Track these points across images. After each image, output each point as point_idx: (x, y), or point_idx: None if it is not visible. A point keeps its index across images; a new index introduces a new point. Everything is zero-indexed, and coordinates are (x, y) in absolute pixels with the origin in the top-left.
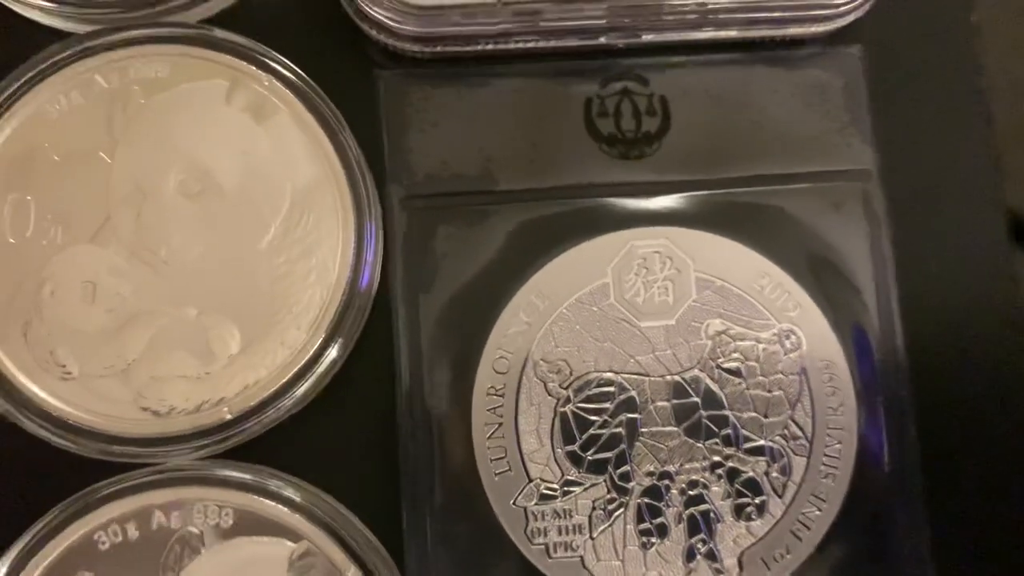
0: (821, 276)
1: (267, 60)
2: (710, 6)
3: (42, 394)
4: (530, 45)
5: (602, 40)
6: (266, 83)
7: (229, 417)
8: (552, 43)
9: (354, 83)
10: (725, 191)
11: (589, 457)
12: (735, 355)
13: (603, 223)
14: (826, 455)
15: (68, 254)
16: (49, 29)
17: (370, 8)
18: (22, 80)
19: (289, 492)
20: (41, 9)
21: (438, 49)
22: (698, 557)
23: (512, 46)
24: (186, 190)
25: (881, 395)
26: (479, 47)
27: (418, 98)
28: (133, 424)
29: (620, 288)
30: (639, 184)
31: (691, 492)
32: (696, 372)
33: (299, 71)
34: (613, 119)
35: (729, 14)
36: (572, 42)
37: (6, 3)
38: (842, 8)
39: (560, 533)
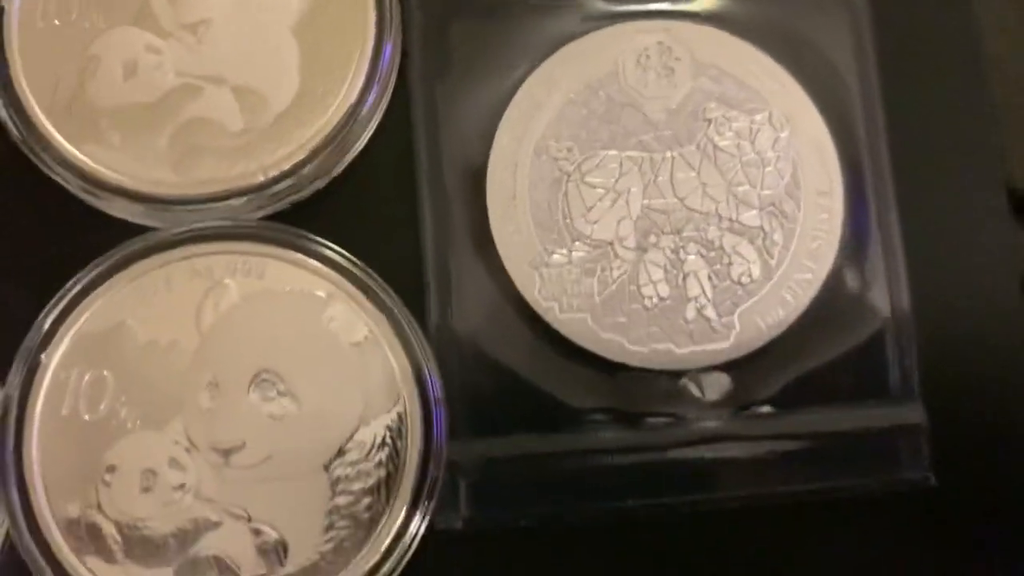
0: (808, 67)
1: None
2: None
3: (86, 159)
4: None
5: None
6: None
7: (262, 179)
8: None
9: None
10: None
11: (595, 225)
12: (730, 135)
13: (608, 17)
14: (815, 225)
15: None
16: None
17: None
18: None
19: (318, 248)
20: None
21: None
22: (697, 315)
23: None
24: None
25: (865, 174)
26: None
27: None
28: (173, 187)
29: (625, 75)
30: None
31: (690, 257)
32: (694, 149)
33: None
34: None
35: None
36: None
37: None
38: None
39: (569, 294)
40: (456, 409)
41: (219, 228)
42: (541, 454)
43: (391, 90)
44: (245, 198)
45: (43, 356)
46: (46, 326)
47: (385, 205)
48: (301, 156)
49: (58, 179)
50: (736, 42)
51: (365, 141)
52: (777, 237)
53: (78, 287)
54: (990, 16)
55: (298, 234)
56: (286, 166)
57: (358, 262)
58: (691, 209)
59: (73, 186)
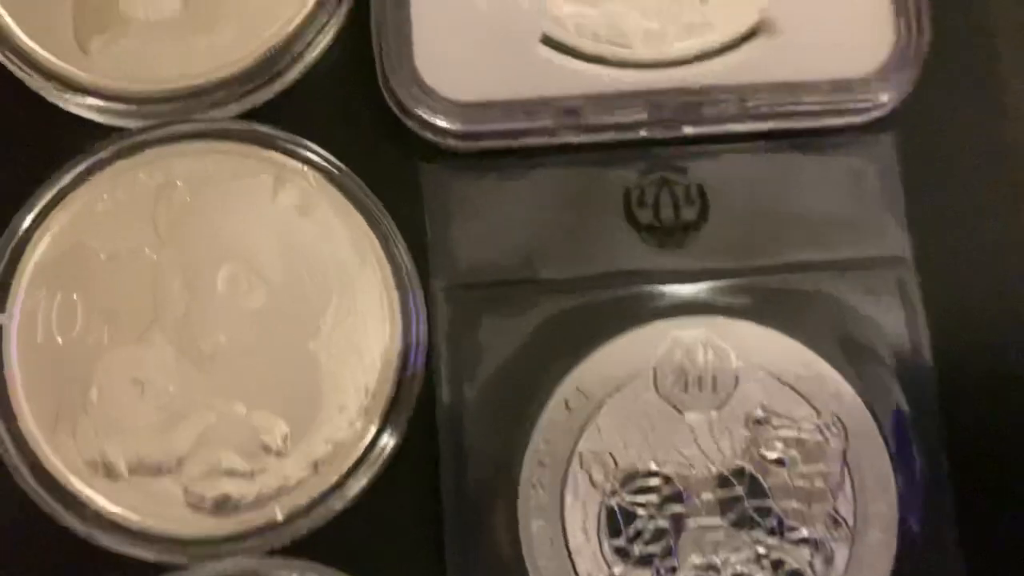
0: (859, 363)
1: (310, 155)
2: (750, 103)
3: (91, 494)
4: (570, 140)
5: (642, 133)
6: (311, 178)
7: (279, 516)
8: (592, 137)
9: (397, 175)
10: (762, 278)
11: (636, 551)
12: (778, 445)
13: (644, 312)
14: (868, 543)
15: (116, 353)
16: (88, 125)
17: (412, 104)
18: (66, 179)
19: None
20: (85, 106)
21: (480, 143)
22: None
23: (553, 140)
24: (234, 287)
25: (921, 482)
26: (520, 141)
27: (460, 190)
28: (183, 524)
29: (663, 379)
30: (679, 272)
31: None
32: (739, 463)
33: (342, 166)
34: (652, 208)
35: (768, 107)
36: (612, 135)
37: (51, 100)
38: (879, 101)
39: None
40: None
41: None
42: None
43: (415, 397)
44: None
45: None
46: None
47: (407, 524)
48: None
49: None
50: (782, 340)
51: (389, 455)
52: (830, 559)
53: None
54: None
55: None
56: (302, 500)
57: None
58: (738, 528)
59: None
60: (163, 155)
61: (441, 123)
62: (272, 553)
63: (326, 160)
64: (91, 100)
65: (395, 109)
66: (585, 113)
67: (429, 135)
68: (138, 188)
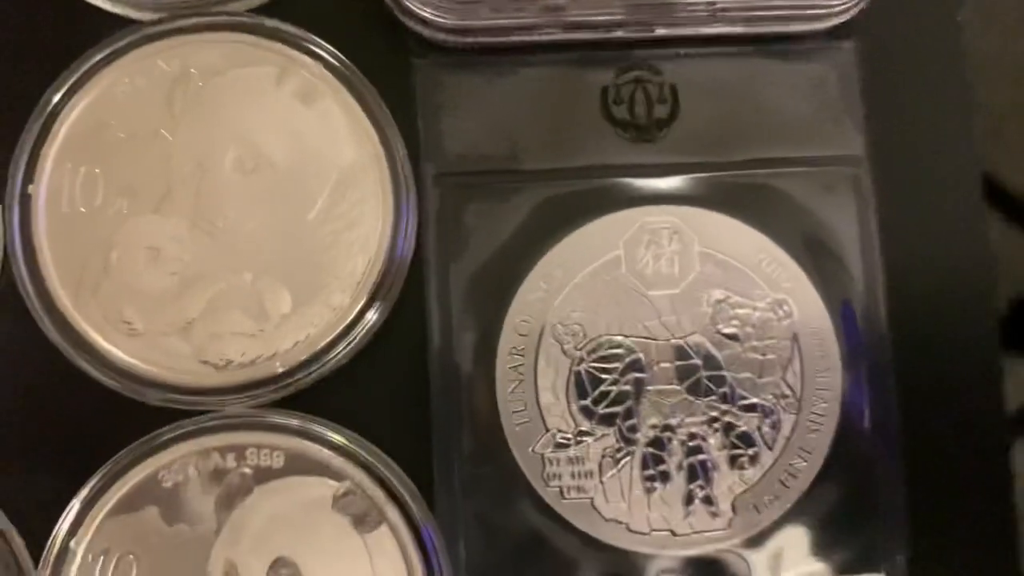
0: (813, 252)
1: (313, 48)
2: (719, 4)
3: (111, 347)
4: (553, 37)
5: (618, 33)
6: (313, 69)
7: (280, 370)
8: (573, 35)
9: (392, 70)
10: (728, 173)
11: (600, 411)
12: (733, 322)
13: (617, 201)
14: (813, 413)
15: (134, 223)
16: (112, 16)
17: (408, 1)
18: (90, 64)
19: (333, 437)
20: None
21: (469, 39)
22: (696, 501)
23: (536, 38)
24: (241, 166)
25: (865, 360)
26: (506, 38)
27: (450, 85)
28: (193, 376)
29: (631, 260)
30: (650, 166)
31: (691, 443)
32: (697, 336)
33: (343, 58)
34: (627, 106)
35: (737, 11)
36: (591, 35)
37: None
38: (838, 7)
39: (573, 477)
40: None
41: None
42: None
43: (406, 270)
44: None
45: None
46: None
47: (396, 384)
48: (317, 346)
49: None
50: (743, 229)
51: (380, 323)
52: (776, 425)
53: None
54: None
55: None
56: (301, 357)
57: None
58: (693, 395)
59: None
60: (179, 44)
61: (431, 16)
62: (272, 405)
63: (328, 52)
64: None
65: (391, 4)
66: (568, 9)
67: (421, 29)
68: (156, 74)
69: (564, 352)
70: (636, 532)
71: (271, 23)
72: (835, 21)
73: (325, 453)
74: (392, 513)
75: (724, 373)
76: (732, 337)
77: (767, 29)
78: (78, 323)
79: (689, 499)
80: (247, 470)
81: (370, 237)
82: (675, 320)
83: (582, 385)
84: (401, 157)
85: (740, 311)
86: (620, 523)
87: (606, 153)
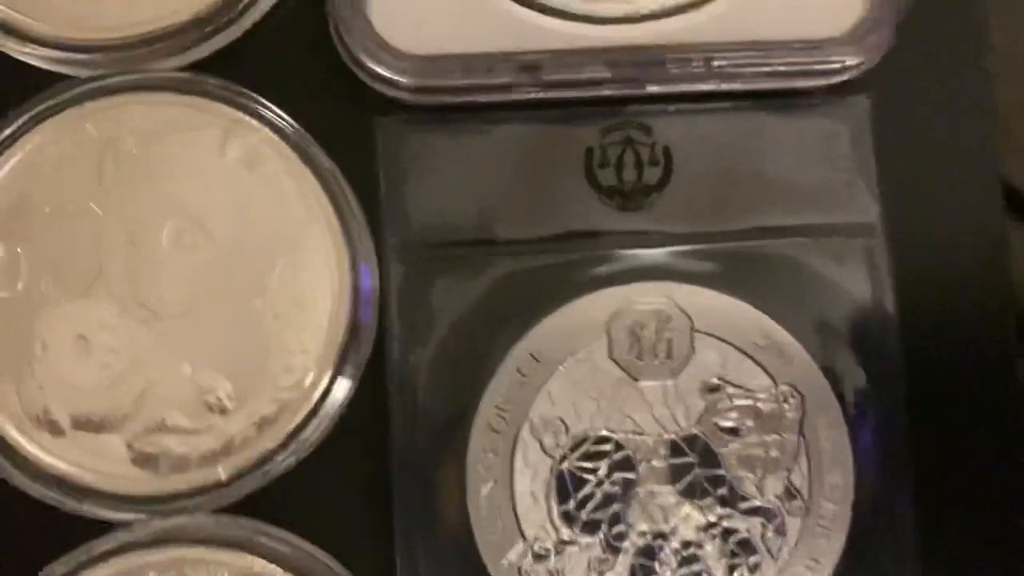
0: (822, 333)
1: (260, 109)
2: (716, 61)
3: (35, 451)
4: (531, 96)
5: (605, 92)
6: (261, 133)
7: (223, 476)
8: (553, 94)
9: (351, 130)
10: (726, 245)
11: (584, 516)
12: (732, 414)
13: (601, 276)
14: (821, 516)
15: (60, 308)
16: (40, 73)
17: (366, 57)
18: (12, 128)
19: (283, 549)
20: (31, 54)
21: (436, 98)
22: None
23: (512, 97)
24: (179, 242)
25: (880, 458)
26: (478, 97)
27: (415, 146)
28: (127, 482)
29: (618, 345)
30: (639, 235)
31: (685, 552)
32: (693, 431)
33: (292, 122)
34: (614, 169)
35: (736, 68)
36: (574, 93)
37: None
38: (849, 63)
39: None
40: None
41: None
42: None
43: (365, 356)
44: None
45: None
46: None
47: (354, 486)
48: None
49: None
50: (743, 308)
51: (337, 416)
52: (780, 530)
53: None
54: None
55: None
56: (245, 460)
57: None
58: (688, 497)
59: None
60: (110, 106)
61: (395, 77)
62: (219, 511)
63: (275, 114)
64: (37, 48)
65: (348, 62)
66: (546, 69)
67: (384, 89)
68: (84, 139)
69: (544, 450)
70: None
71: (214, 82)
72: (846, 76)
73: (276, 571)
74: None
75: (722, 472)
76: (732, 431)
77: (769, 86)
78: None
79: None
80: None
81: (323, 320)
82: (668, 413)
83: (564, 487)
84: (359, 229)
85: (740, 402)
86: None
87: (590, 221)
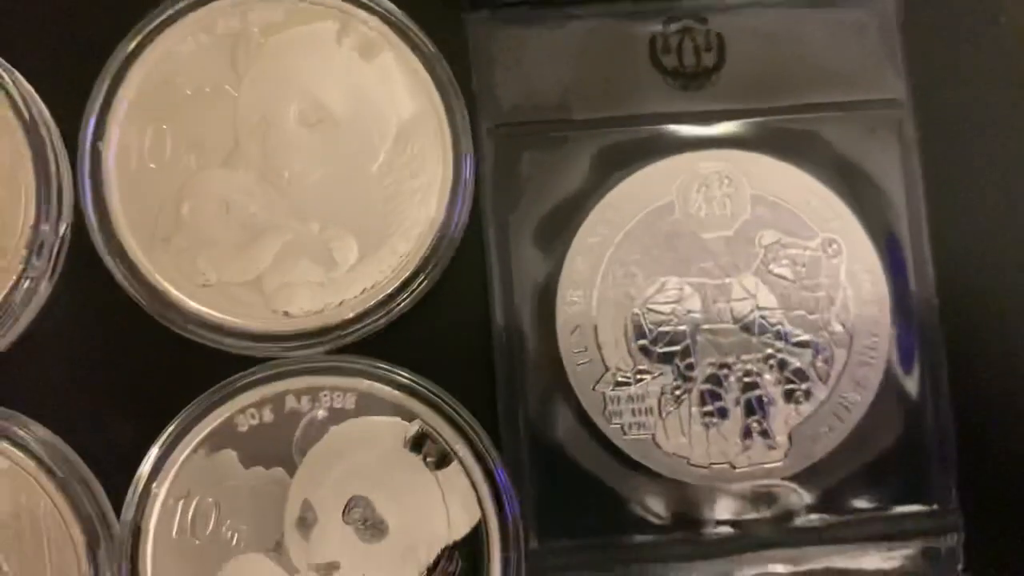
0: (859, 193)
1: (371, 3)
2: None
3: (185, 299)
4: None
5: None
6: (371, 24)
7: (350, 315)
8: None
9: (446, 25)
10: (775, 118)
11: (658, 350)
12: (785, 261)
13: (668, 147)
14: (864, 348)
15: (203, 176)
16: None
17: None
18: (155, 23)
19: (402, 378)
20: None
21: None
22: (753, 435)
23: None
24: (305, 120)
25: (912, 296)
26: None
27: (503, 38)
28: (265, 323)
29: (684, 204)
30: (699, 113)
31: (747, 380)
32: (751, 277)
33: (400, 13)
34: (675, 54)
35: None
36: None
37: None
38: None
39: (634, 415)
40: (529, 515)
41: None
42: (610, 558)
43: (467, 217)
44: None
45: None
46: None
47: (459, 328)
48: (384, 292)
49: None
50: (791, 171)
51: (443, 269)
52: (828, 360)
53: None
54: None
55: None
56: (369, 303)
57: None
58: (748, 333)
59: None
60: (239, 2)
61: None
62: (341, 351)
63: (385, 8)
64: None
65: None
66: None
67: None
68: (218, 32)
69: (623, 294)
70: (696, 466)
71: None
72: None
73: (395, 394)
74: (463, 451)
75: (777, 311)
76: (784, 276)
77: None
78: (152, 275)
79: (747, 433)
80: (321, 412)
81: (431, 187)
82: (729, 261)
83: (640, 326)
84: (458, 109)
85: (791, 251)
86: (681, 457)
87: (656, 101)
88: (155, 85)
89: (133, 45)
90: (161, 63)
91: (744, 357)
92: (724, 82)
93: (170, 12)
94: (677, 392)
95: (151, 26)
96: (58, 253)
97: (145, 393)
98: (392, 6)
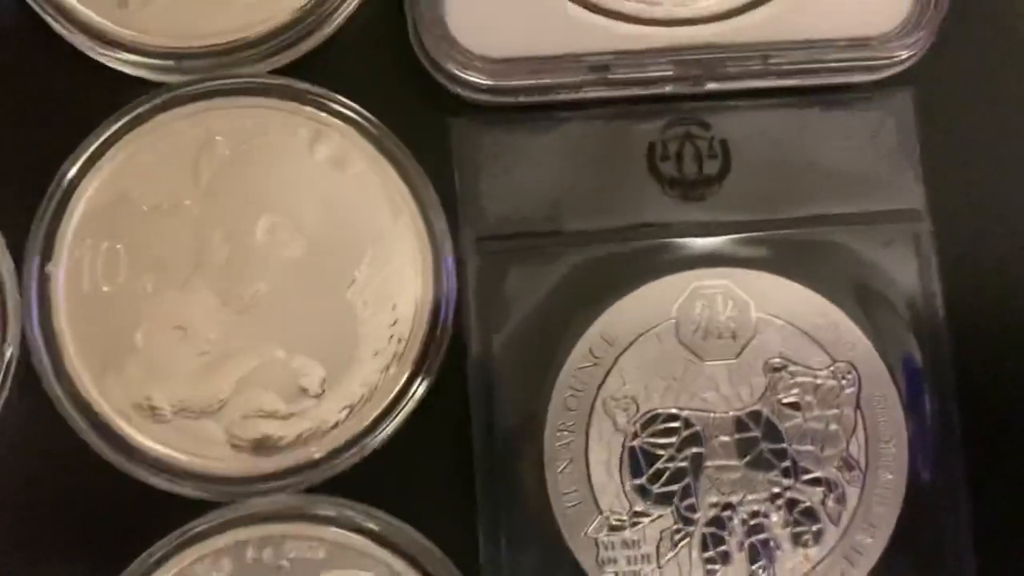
0: (874, 313)
1: (345, 110)
2: (772, 59)
3: (137, 436)
4: (598, 94)
5: (667, 89)
6: (345, 133)
7: (317, 456)
8: (619, 92)
9: (427, 130)
10: (782, 232)
11: (656, 490)
12: (794, 391)
13: (667, 264)
14: (878, 485)
15: (160, 300)
16: (134, 80)
17: (443, 60)
18: (109, 132)
19: (374, 525)
20: (126, 62)
21: (509, 99)
22: None
23: (579, 95)
24: (273, 237)
25: (931, 428)
26: (548, 97)
27: (489, 144)
28: (225, 464)
29: (684, 327)
30: (701, 225)
31: (752, 522)
32: (757, 408)
33: (376, 120)
34: (675, 162)
35: (790, 64)
36: (638, 91)
37: (93, 56)
38: (898, 57)
39: (629, 562)
40: None
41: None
42: None
43: (447, 344)
44: None
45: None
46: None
47: (439, 465)
48: (355, 428)
49: None
50: (800, 290)
51: (420, 399)
52: (840, 499)
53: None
54: None
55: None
56: (338, 440)
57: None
58: (754, 470)
59: None
60: (203, 110)
61: (472, 78)
62: (310, 491)
63: (360, 115)
64: (130, 56)
65: (426, 64)
66: (613, 69)
67: (459, 90)
68: (180, 140)
69: (616, 427)
70: None
71: (300, 85)
72: (895, 70)
73: (367, 544)
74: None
75: (785, 446)
76: (793, 407)
77: (823, 81)
78: (102, 409)
79: None
80: (285, 563)
81: (409, 308)
82: (733, 391)
83: (636, 462)
84: (439, 222)
85: (801, 379)
86: None
87: (654, 212)
88: (109, 201)
89: (85, 157)
90: (116, 176)
91: (749, 497)
92: (728, 192)
93: (127, 119)
94: (677, 536)
95: (105, 135)
96: (2, 381)
97: (93, 539)
98: (367, 113)
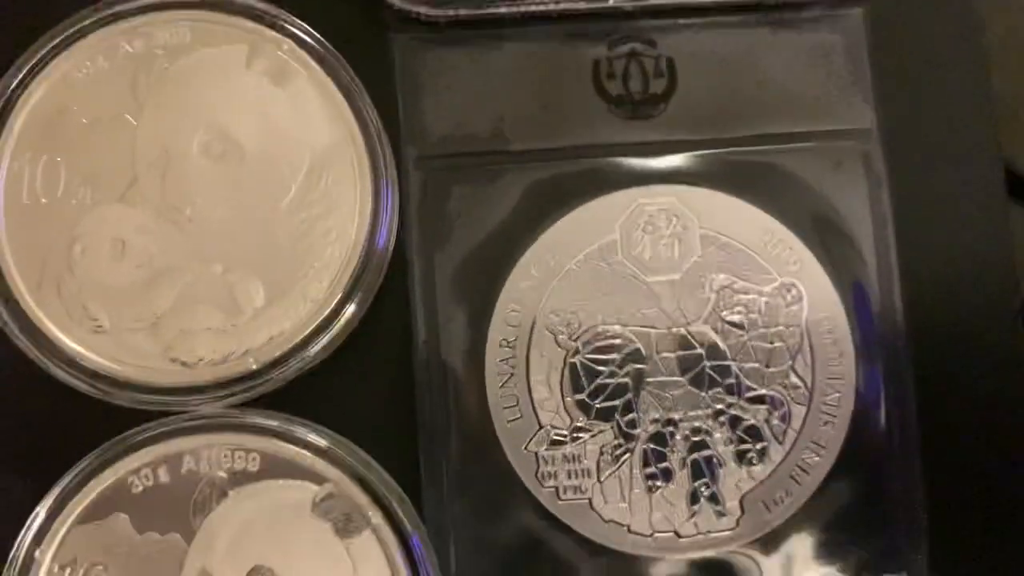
0: (822, 233)
1: (285, 24)
2: None
3: (75, 346)
4: (543, 8)
5: (611, 2)
6: (284, 47)
7: (254, 367)
8: (562, 5)
9: (369, 47)
10: (730, 150)
11: (597, 405)
12: (738, 308)
13: (611, 182)
14: (825, 404)
15: (98, 213)
16: None
17: None
18: (50, 46)
19: (312, 437)
20: None
21: (450, 12)
22: (701, 500)
23: (523, 8)
24: (209, 152)
25: (879, 348)
26: (490, 10)
27: (432, 61)
28: (162, 374)
29: (628, 244)
30: (647, 144)
31: (695, 438)
32: (700, 325)
33: (317, 35)
34: (621, 80)
35: None
36: (582, 4)
37: None
38: None
39: (569, 477)
40: None
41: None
42: None
43: (388, 258)
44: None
45: None
46: None
47: (379, 381)
48: (293, 341)
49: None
50: (746, 208)
51: (361, 315)
52: (785, 418)
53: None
54: None
55: None
56: (276, 353)
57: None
58: (697, 387)
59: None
60: (143, 24)
61: None
62: (247, 405)
63: (300, 29)
64: None
65: None
66: None
67: (399, 3)
68: (119, 55)
69: (558, 343)
70: (638, 534)
71: (241, 0)
72: None
73: (304, 455)
74: (377, 518)
75: (729, 363)
76: (737, 325)
77: None
78: (41, 321)
79: (694, 498)
80: (221, 473)
81: (348, 224)
82: (676, 307)
83: (577, 378)
84: (380, 138)
85: (745, 296)
86: (621, 525)
87: (599, 131)
88: (48, 115)
89: (24, 72)
90: (55, 91)
91: (692, 414)
92: (674, 111)
93: (66, 34)
94: (617, 452)
95: (44, 50)
96: None
97: (32, 449)
98: (307, 27)
